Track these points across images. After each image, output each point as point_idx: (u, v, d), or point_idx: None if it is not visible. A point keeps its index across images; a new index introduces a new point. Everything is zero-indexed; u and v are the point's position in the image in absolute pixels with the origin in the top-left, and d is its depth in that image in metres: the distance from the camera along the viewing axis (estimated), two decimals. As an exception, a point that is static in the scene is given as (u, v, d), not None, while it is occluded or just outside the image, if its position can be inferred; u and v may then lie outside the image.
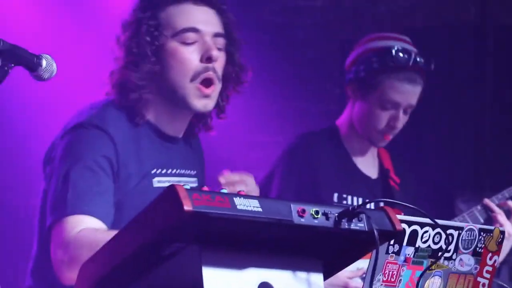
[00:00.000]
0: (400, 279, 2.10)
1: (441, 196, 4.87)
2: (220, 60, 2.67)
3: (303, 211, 1.91)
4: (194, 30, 2.64)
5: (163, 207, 1.83)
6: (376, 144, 3.68)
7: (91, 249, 2.34)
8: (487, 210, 3.64)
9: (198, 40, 2.65)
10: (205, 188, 1.88)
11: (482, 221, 3.62)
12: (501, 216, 3.58)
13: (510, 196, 3.71)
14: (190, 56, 2.64)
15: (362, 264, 3.27)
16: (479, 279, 2.21)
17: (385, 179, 3.73)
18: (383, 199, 2.00)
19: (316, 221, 1.92)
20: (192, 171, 2.83)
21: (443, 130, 5.19)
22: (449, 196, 4.88)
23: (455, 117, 5.20)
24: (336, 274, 3.26)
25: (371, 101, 3.59)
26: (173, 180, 2.72)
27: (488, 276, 2.22)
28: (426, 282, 2.14)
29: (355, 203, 3.45)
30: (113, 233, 2.38)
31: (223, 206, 1.83)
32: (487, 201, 3.65)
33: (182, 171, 2.79)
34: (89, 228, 2.46)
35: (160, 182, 2.70)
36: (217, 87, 2.68)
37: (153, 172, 2.69)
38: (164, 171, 2.72)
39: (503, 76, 5.18)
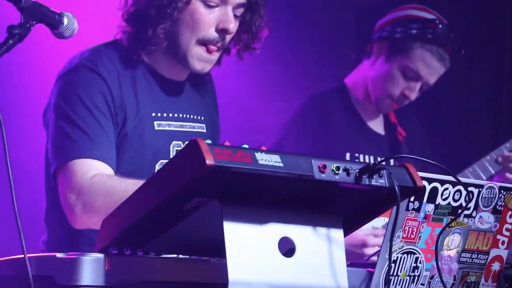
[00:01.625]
0: (420, 236, 2.11)
1: (454, 156, 4.86)
2: (235, 28, 2.67)
3: (324, 166, 1.91)
4: None
5: (185, 162, 1.83)
6: (381, 108, 3.69)
7: (106, 196, 2.38)
8: (496, 159, 3.66)
9: (220, 6, 2.64)
10: (227, 143, 1.89)
11: (492, 172, 3.65)
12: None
13: None
14: (207, 20, 2.63)
15: (377, 223, 3.29)
16: (498, 236, 2.22)
17: (393, 134, 3.75)
18: (405, 155, 2.00)
19: (337, 177, 1.93)
20: (199, 117, 2.81)
21: (460, 98, 5.17)
22: (463, 155, 4.86)
23: (471, 82, 5.18)
24: (355, 234, 3.31)
25: (395, 64, 3.60)
26: (175, 124, 2.72)
27: (507, 234, 2.22)
28: (446, 239, 2.15)
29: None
30: (128, 181, 2.42)
31: (244, 161, 1.84)
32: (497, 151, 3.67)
33: (186, 116, 2.77)
34: (102, 174, 2.48)
35: (160, 126, 2.70)
36: (219, 53, 2.68)
37: (153, 115, 2.68)
38: (164, 114, 2.71)
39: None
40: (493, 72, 5.21)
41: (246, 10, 2.69)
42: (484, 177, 3.69)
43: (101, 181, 2.47)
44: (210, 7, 2.63)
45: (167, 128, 2.70)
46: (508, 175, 3.68)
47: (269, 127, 4.57)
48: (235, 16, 2.67)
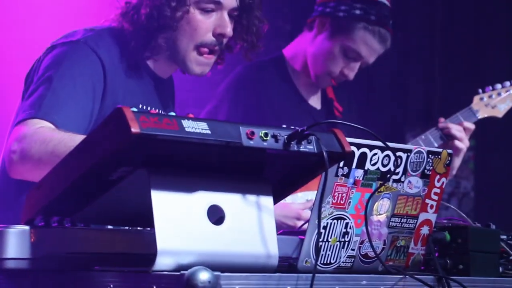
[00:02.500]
0: (350, 202, 2.11)
1: (391, 130, 4.91)
2: (231, 33, 2.73)
3: (252, 133, 1.90)
4: (217, 2, 2.69)
5: (110, 130, 1.81)
6: (319, 84, 3.69)
7: (42, 143, 2.39)
8: (441, 132, 3.71)
9: (217, 11, 2.70)
10: (153, 111, 1.86)
11: (436, 144, 3.70)
12: (458, 132, 3.65)
13: (464, 118, 3.79)
14: (204, 26, 2.69)
15: (312, 195, 3.30)
16: (427, 201, 2.23)
17: (329, 109, 3.76)
18: (333, 121, 1.99)
19: (265, 143, 1.92)
20: (171, 111, 2.88)
21: (392, 65, 5.21)
22: (399, 131, 4.92)
23: (405, 53, 5.22)
24: (289, 206, 3.32)
25: (337, 43, 3.60)
26: None
27: (436, 198, 2.24)
28: (375, 204, 2.16)
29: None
30: (66, 133, 2.41)
31: (171, 128, 1.81)
32: (442, 120, 3.72)
33: (165, 112, 2.83)
34: (47, 126, 2.47)
35: None
36: (216, 55, 2.75)
37: (140, 107, 2.70)
38: (148, 108, 2.76)
39: (454, 8, 5.19)
40: (426, 44, 5.25)
41: (242, 12, 2.75)
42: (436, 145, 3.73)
43: (43, 130, 2.48)
44: (206, 13, 2.69)
45: None
46: (457, 143, 3.70)
47: (203, 100, 4.54)
48: (231, 17, 2.72)
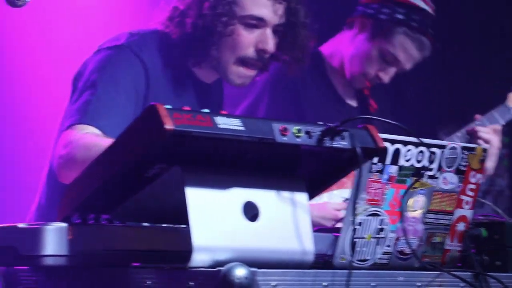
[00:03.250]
0: (384, 198, 2.11)
1: (423, 132, 4.88)
2: (273, 49, 2.76)
3: (285, 129, 1.91)
4: (260, 19, 2.71)
5: (144, 127, 1.83)
6: (354, 83, 3.68)
7: (86, 149, 2.43)
8: (469, 136, 3.69)
9: (260, 28, 2.73)
10: (187, 108, 1.88)
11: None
12: (486, 134, 3.63)
13: (499, 115, 3.76)
14: (246, 41, 2.72)
15: (348, 193, 3.30)
16: (462, 197, 2.22)
17: (364, 106, 3.75)
18: (367, 116, 2.00)
19: (298, 139, 1.92)
20: None
21: (427, 66, 5.18)
22: (432, 132, 4.89)
23: (441, 57, 5.19)
24: (326, 207, 3.32)
25: (376, 45, 3.59)
26: None
27: (471, 194, 2.23)
28: (410, 201, 2.15)
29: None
30: (110, 139, 2.44)
31: (204, 125, 1.83)
32: (479, 117, 3.70)
33: None
34: (92, 132, 2.51)
35: None
36: (259, 68, 2.79)
37: None
38: None
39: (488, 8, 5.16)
40: (461, 43, 5.22)
41: (287, 29, 2.77)
42: None
43: (88, 137, 2.53)
44: (249, 28, 2.72)
45: None
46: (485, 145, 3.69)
47: (238, 97, 4.56)
48: (275, 33, 2.75)
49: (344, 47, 3.68)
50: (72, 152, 2.51)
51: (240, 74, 2.76)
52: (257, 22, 2.72)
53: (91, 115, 2.57)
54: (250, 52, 2.74)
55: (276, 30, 2.76)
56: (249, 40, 2.72)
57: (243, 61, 2.75)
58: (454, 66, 5.23)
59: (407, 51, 3.59)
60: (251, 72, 2.77)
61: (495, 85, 4.88)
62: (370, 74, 3.62)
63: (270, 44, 2.73)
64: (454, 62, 5.23)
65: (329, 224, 3.31)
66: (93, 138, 2.51)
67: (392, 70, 3.63)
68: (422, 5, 3.63)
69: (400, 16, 3.58)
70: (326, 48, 3.75)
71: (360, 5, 3.69)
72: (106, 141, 2.45)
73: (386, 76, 3.62)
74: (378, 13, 3.60)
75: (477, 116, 3.76)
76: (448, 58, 5.21)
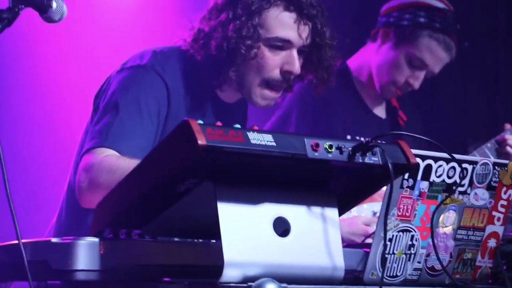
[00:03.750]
0: (415, 214, 2.10)
1: (453, 144, 4.86)
2: (298, 71, 2.76)
3: (317, 145, 1.91)
4: (286, 41, 2.71)
5: (177, 142, 1.83)
6: (385, 95, 3.68)
7: (109, 172, 2.41)
8: (498, 146, 3.67)
9: (286, 49, 2.73)
10: (219, 123, 1.89)
11: (492, 158, 3.65)
12: None
13: None
14: (272, 63, 2.72)
15: (378, 207, 3.29)
16: (493, 213, 2.21)
17: (393, 118, 3.75)
18: (398, 132, 1.99)
19: (330, 155, 1.92)
20: None
21: (458, 80, 5.17)
22: (462, 144, 4.86)
23: (468, 62, 5.17)
24: (355, 223, 3.31)
25: (402, 52, 3.58)
26: None
27: (503, 210, 2.22)
28: (441, 216, 2.14)
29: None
30: (132, 160, 2.44)
31: (237, 141, 1.83)
32: (508, 127, 3.67)
33: None
34: (114, 154, 2.51)
35: None
36: (283, 89, 2.78)
37: None
38: None
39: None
40: (490, 58, 5.20)
41: (312, 49, 2.77)
42: None
43: (110, 159, 2.52)
44: (275, 49, 2.72)
45: None
46: None
47: (266, 113, 4.57)
48: (300, 54, 2.75)
49: (370, 60, 3.68)
50: (95, 176, 2.49)
51: (265, 96, 2.75)
52: (282, 44, 2.72)
53: (112, 138, 2.56)
54: (275, 74, 2.73)
55: (301, 51, 2.75)
56: (274, 62, 2.72)
57: (268, 83, 2.74)
58: (482, 75, 5.21)
59: (434, 53, 3.58)
60: (275, 94, 2.76)
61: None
62: (399, 81, 3.61)
63: (296, 65, 2.73)
64: (482, 71, 5.22)
65: (359, 239, 3.30)
66: (116, 161, 2.49)
67: (421, 75, 3.61)
68: (442, 6, 3.62)
69: (422, 19, 3.58)
70: (352, 62, 3.76)
71: (382, 15, 3.69)
72: (129, 163, 2.44)
73: (416, 82, 3.61)
74: (400, 20, 3.61)
75: (507, 125, 3.74)
76: (475, 67, 5.19)
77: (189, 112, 2.72)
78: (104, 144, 2.55)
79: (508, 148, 3.67)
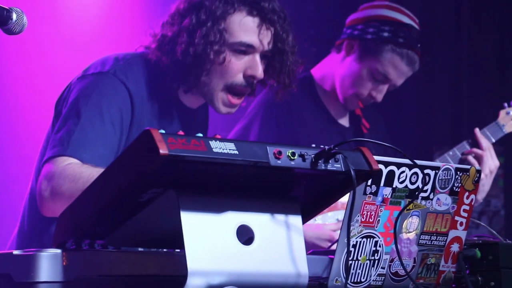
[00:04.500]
0: (378, 220, 2.11)
1: (418, 151, 4.90)
2: (261, 75, 2.77)
3: (280, 152, 1.91)
4: (249, 46, 2.72)
5: (139, 152, 1.82)
6: (347, 105, 3.70)
7: (72, 181, 2.40)
8: (460, 153, 3.71)
9: (249, 54, 2.73)
10: (180, 133, 1.88)
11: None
12: (482, 155, 3.64)
13: (490, 133, 3.78)
14: (235, 67, 2.73)
15: (342, 215, 3.30)
16: (456, 218, 2.23)
17: (357, 126, 3.77)
18: (360, 139, 2.00)
19: (292, 162, 1.93)
20: None
21: (420, 88, 5.21)
22: (426, 150, 4.90)
23: (432, 72, 5.22)
24: (321, 228, 3.32)
25: (365, 65, 3.61)
26: None
27: (465, 215, 2.24)
28: (404, 222, 2.16)
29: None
30: (95, 168, 2.42)
31: (199, 149, 1.83)
32: (478, 131, 3.71)
33: None
34: (75, 162, 2.49)
35: None
36: (245, 95, 2.79)
37: None
38: None
39: (479, 27, 5.19)
40: (452, 61, 5.25)
41: (275, 55, 2.77)
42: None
43: (71, 168, 2.50)
44: (238, 54, 2.72)
45: None
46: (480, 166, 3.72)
47: (232, 121, 4.58)
48: (263, 59, 2.75)
49: (334, 70, 3.70)
50: (57, 184, 2.48)
51: (226, 102, 2.75)
52: (246, 49, 2.73)
53: (74, 146, 2.54)
54: (238, 78, 2.74)
55: (264, 56, 2.76)
56: (237, 67, 2.73)
57: (231, 88, 2.74)
58: (445, 84, 5.26)
59: (397, 67, 3.61)
60: (237, 101, 2.77)
61: (488, 102, 4.92)
62: (362, 94, 3.63)
63: (260, 70, 2.74)
64: (445, 80, 5.26)
65: (324, 245, 3.31)
66: (78, 169, 2.48)
67: (384, 88, 3.64)
68: (406, 20, 3.65)
69: (385, 34, 3.61)
70: (316, 72, 3.77)
71: (347, 27, 3.71)
72: (92, 171, 2.44)
73: (378, 95, 3.64)
74: (364, 33, 3.63)
75: (476, 130, 3.78)
76: (438, 76, 5.23)
77: (153, 118, 2.72)
78: (65, 152, 2.54)
79: (471, 159, 3.71)
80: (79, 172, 2.45)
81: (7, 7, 2.13)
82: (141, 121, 2.67)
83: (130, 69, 2.70)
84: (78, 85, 2.66)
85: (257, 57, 2.74)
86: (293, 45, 2.80)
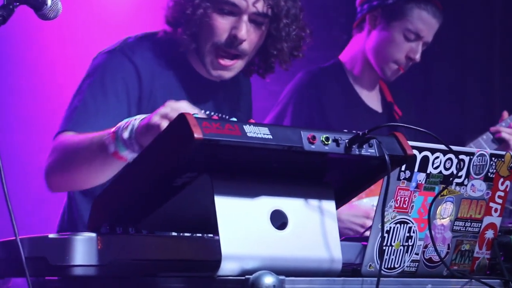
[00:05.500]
0: (412, 205, 2.10)
1: (449, 136, 4.87)
2: (252, 36, 2.68)
3: (313, 137, 1.91)
4: (233, 4, 2.65)
5: (174, 136, 1.83)
6: (389, 75, 3.71)
7: (64, 151, 2.44)
8: (493, 137, 3.70)
9: (235, 14, 2.66)
10: (215, 117, 1.88)
11: (488, 149, 3.67)
12: (508, 134, 3.64)
13: None
14: (221, 26, 2.66)
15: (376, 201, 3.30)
16: (491, 204, 2.21)
17: (390, 113, 3.77)
18: (394, 124, 1.99)
19: (326, 147, 1.92)
20: (228, 117, 2.82)
21: (453, 76, 5.17)
22: (458, 136, 4.87)
23: (464, 63, 5.18)
24: (357, 205, 3.31)
25: (395, 30, 3.64)
26: None
27: (500, 201, 2.22)
28: (438, 208, 2.14)
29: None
30: (86, 134, 2.43)
31: (233, 134, 1.83)
32: (506, 115, 3.72)
33: (217, 115, 2.79)
34: (69, 133, 2.52)
35: None
36: (240, 61, 2.70)
37: None
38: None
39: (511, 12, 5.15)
40: (485, 50, 5.21)
41: (271, 22, 2.70)
42: None
43: (64, 140, 2.53)
44: (224, 15, 2.66)
45: None
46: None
47: (264, 110, 4.58)
48: (256, 24, 2.68)
49: (361, 49, 3.71)
50: (53, 158, 2.52)
51: (214, 63, 2.68)
52: (231, 8, 2.65)
53: (76, 121, 2.57)
54: (223, 38, 2.66)
55: (254, 20, 2.67)
56: (223, 26, 2.66)
57: (217, 49, 2.67)
58: (476, 71, 5.22)
59: (425, 22, 3.65)
60: (226, 62, 2.67)
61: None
62: (400, 58, 3.66)
63: (243, 30, 2.64)
64: (477, 67, 5.22)
65: (360, 221, 3.30)
66: (68, 139, 2.51)
67: (418, 46, 3.68)
68: None
69: None
70: (344, 56, 3.78)
71: (361, 4, 3.73)
72: (80, 136, 2.47)
73: (416, 55, 3.67)
74: (384, 0, 3.66)
75: (505, 113, 3.77)
76: (470, 64, 5.20)
77: (167, 90, 2.68)
78: (67, 127, 2.57)
79: (504, 135, 3.71)
80: (68, 141, 2.49)
81: (42, -8, 2.14)
82: (152, 94, 2.65)
83: (139, 45, 2.70)
84: (91, 65, 2.70)
85: (244, 17, 2.65)
86: (292, 10, 2.70)
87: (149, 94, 2.66)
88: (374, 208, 3.32)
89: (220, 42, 2.67)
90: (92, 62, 2.71)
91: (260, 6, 2.67)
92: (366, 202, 3.35)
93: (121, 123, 2.34)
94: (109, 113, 2.58)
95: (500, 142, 3.74)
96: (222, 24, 2.66)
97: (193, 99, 2.71)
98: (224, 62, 2.68)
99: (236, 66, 2.71)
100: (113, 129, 2.36)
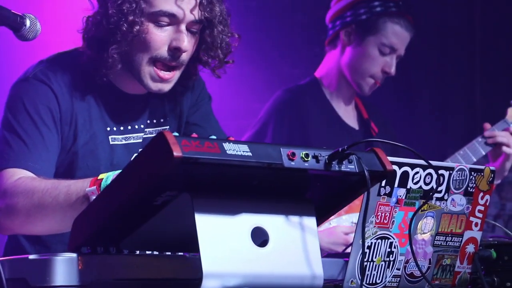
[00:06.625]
0: (393, 221, 2.11)
1: (430, 153, 4.89)
2: (190, 45, 2.63)
3: (293, 154, 1.91)
4: (171, 15, 2.58)
5: (152, 155, 1.83)
6: (365, 90, 3.74)
7: (26, 196, 2.39)
8: (488, 140, 3.74)
9: (173, 25, 2.60)
10: (194, 135, 1.89)
11: (483, 152, 3.72)
12: (504, 138, 3.68)
13: (508, 124, 3.81)
14: (159, 39, 2.59)
15: (357, 218, 3.30)
16: (471, 218, 2.22)
17: (366, 130, 3.79)
18: (374, 139, 1.99)
19: (306, 164, 1.93)
20: (162, 126, 2.77)
21: (434, 90, 5.20)
22: (439, 152, 4.89)
23: (444, 77, 5.21)
24: (335, 232, 3.32)
25: (369, 44, 3.68)
26: (135, 136, 2.71)
27: (480, 215, 2.23)
28: (419, 223, 2.15)
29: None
30: (48, 181, 2.42)
31: (212, 152, 1.83)
32: (488, 127, 3.75)
33: (149, 127, 2.74)
34: (26, 176, 2.47)
35: (116, 140, 2.69)
36: (177, 72, 2.64)
37: (108, 129, 2.66)
38: (121, 128, 2.69)
39: (492, 27, 5.19)
40: (466, 60, 5.24)
41: (205, 28, 2.65)
42: (474, 159, 3.77)
43: (23, 182, 2.45)
44: (161, 27, 2.59)
45: (124, 142, 2.69)
46: (505, 148, 3.75)
47: (246, 128, 4.59)
48: (192, 33, 2.63)
49: (336, 65, 3.75)
50: (11, 203, 2.43)
51: (153, 76, 2.60)
52: (169, 20, 2.57)
53: (16, 157, 2.50)
54: (163, 51, 2.59)
55: (193, 30, 2.61)
56: (161, 39, 2.58)
57: (156, 62, 2.60)
58: (457, 85, 5.25)
59: (399, 35, 3.71)
60: (166, 75, 2.61)
61: (501, 100, 4.91)
62: (377, 73, 3.70)
63: (184, 41, 2.58)
64: (457, 81, 5.26)
65: (339, 249, 3.31)
66: (30, 184, 2.44)
67: (393, 60, 3.74)
68: None
69: (378, 9, 3.70)
70: (319, 73, 3.82)
71: (333, 20, 3.77)
72: (46, 184, 2.40)
73: (391, 69, 3.72)
74: (357, 16, 3.71)
75: (487, 125, 3.81)
76: (451, 77, 5.23)
77: (85, 111, 2.62)
78: (8, 165, 2.50)
79: (500, 138, 3.75)
80: (32, 187, 2.41)
81: (20, 14, 2.14)
82: (73, 118, 2.60)
83: (52, 68, 2.61)
84: (8, 96, 2.63)
85: (182, 27, 2.58)
86: (222, 15, 2.64)
87: (70, 118, 2.60)
88: (354, 225, 3.35)
89: (159, 55, 2.59)
90: (10, 93, 2.63)
91: (196, 14, 2.60)
92: (346, 219, 3.36)
93: (108, 174, 2.30)
94: (46, 143, 2.54)
95: (493, 145, 3.79)
96: (161, 37, 2.58)
97: (116, 119, 2.67)
98: (163, 75, 2.61)
99: (174, 77, 2.64)
100: (91, 181, 2.31)
